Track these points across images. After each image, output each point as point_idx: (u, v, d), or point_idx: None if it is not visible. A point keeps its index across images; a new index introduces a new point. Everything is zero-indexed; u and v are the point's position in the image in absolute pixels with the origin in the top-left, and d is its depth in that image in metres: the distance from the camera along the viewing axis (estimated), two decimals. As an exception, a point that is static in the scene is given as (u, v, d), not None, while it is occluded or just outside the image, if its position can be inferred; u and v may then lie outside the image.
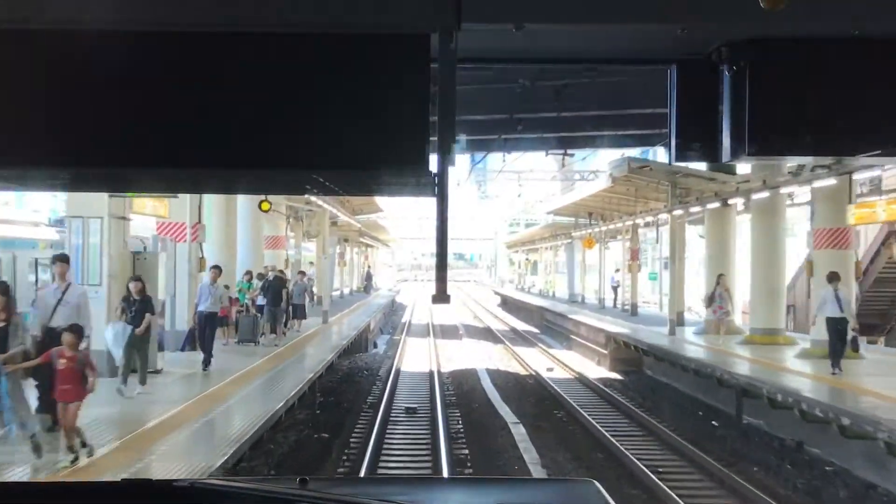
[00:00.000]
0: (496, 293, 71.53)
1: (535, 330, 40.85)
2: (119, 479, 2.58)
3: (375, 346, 33.09)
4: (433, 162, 2.86)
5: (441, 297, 2.96)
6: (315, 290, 33.17)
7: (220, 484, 2.39)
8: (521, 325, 44.04)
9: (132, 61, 2.86)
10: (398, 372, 24.37)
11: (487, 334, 38.38)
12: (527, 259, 66.84)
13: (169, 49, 2.87)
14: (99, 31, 2.81)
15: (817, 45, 3.11)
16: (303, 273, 26.50)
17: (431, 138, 2.85)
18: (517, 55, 3.64)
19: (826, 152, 4.41)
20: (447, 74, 2.77)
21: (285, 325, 22.94)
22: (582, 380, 23.25)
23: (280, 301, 21.13)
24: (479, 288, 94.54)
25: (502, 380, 23.15)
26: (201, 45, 2.86)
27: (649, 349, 22.52)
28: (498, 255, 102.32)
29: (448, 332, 39.67)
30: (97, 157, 2.92)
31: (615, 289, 39.16)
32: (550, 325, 38.51)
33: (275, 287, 21.13)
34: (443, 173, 2.81)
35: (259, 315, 20.88)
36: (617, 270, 40.36)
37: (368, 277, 61.46)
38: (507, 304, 59.92)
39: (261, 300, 21.01)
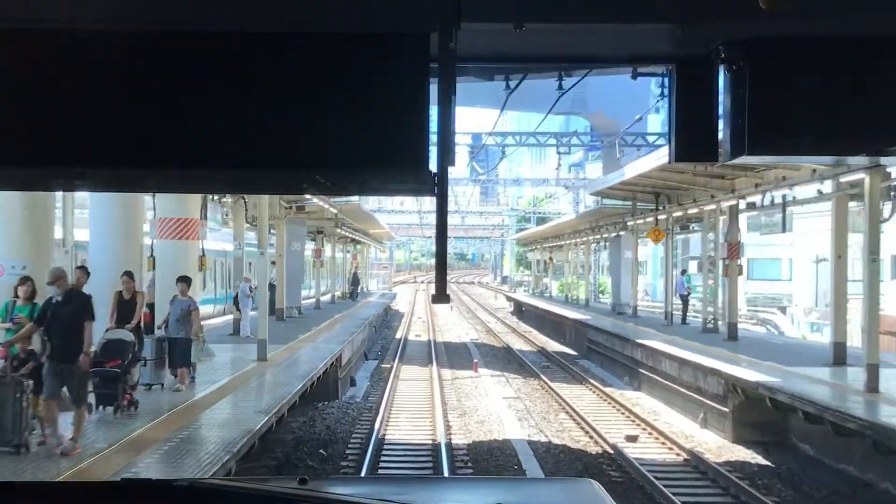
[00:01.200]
0: (509, 298, 61.25)
1: (572, 352, 30.98)
2: (118, 479, 2.65)
3: (353, 383, 23.06)
4: (433, 161, 2.88)
5: (441, 297, 2.96)
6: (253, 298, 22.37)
7: (219, 484, 2.53)
8: (552, 345, 34.31)
9: (129, 61, 2.85)
10: (379, 447, 14.87)
11: (511, 361, 28.28)
12: (550, 258, 56.89)
13: (166, 49, 2.87)
14: (94, 31, 2.81)
15: (817, 44, 3.09)
16: (185, 281, 13.82)
17: (431, 137, 2.85)
18: (517, 54, 3.64)
19: (826, 152, 4.13)
20: (447, 74, 2.80)
21: (133, 388, 11.59)
22: (703, 470, 13.61)
23: (76, 349, 9.11)
24: (484, 292, 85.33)
25: (561, 470, 13.50)
26: (199, 44, 2.86)
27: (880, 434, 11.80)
28: (504, 255, 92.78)
29: (456, 356, 29.51)
30: (96, 157, 2.90)
31: (685, 298, 28.53)
32: (596, 348, 28.05)
33: (62, 317, 9.24)
34: (443, 173, 2.84)
35: (27, 382, 9.12)
36: (683, 272, 29.95)
37: (355, 281, 50.55)
38: (525, 313, 49.44)
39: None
